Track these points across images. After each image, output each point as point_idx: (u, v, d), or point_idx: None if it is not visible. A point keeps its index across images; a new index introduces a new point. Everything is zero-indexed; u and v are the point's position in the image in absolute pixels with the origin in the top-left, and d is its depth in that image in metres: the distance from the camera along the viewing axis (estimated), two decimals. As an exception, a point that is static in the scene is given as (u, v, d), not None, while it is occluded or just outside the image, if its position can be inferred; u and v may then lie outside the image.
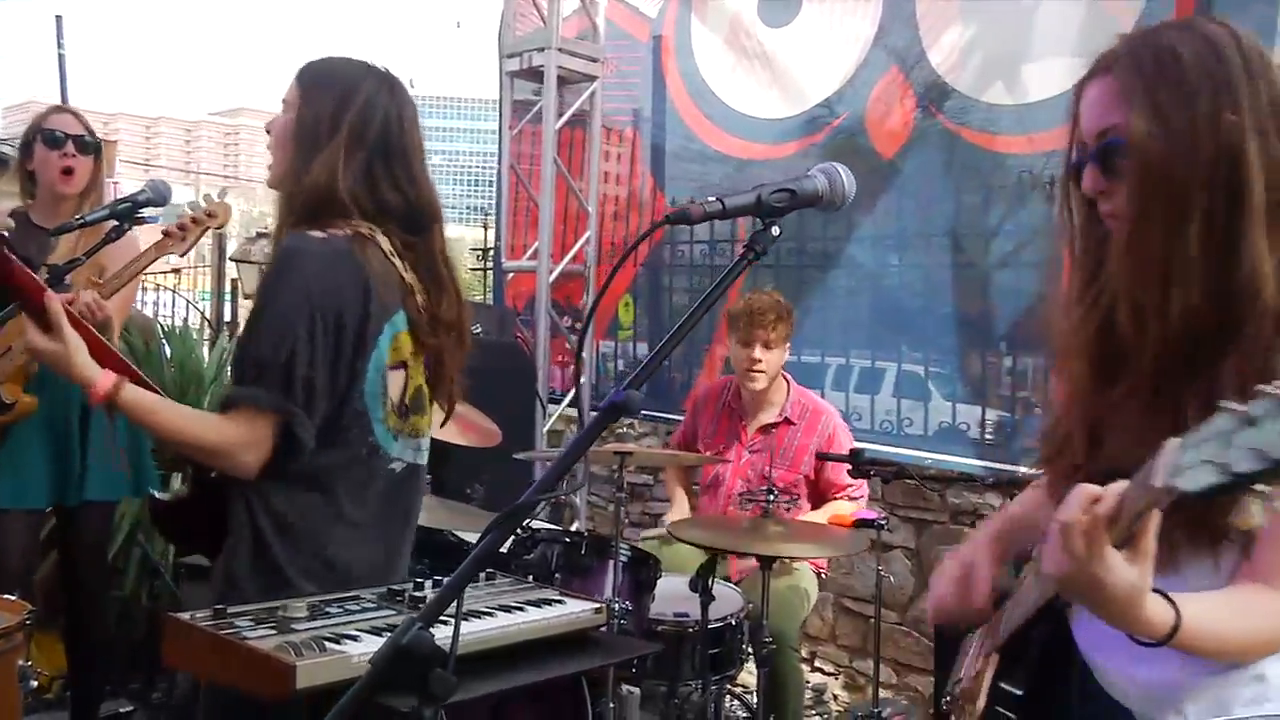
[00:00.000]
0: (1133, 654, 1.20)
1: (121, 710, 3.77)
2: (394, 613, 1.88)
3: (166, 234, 3.06)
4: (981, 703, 1.45)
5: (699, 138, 5.63)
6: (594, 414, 1.30)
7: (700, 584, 3.12)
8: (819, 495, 3.94)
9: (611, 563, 3.20)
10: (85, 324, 1.98)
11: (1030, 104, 4.16)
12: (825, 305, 4.97)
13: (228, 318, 8.96)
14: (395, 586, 2.00)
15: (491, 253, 10.52)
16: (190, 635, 1.76)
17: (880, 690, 3.71)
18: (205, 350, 5.59)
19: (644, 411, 5.81)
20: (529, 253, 6.14)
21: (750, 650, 3.47)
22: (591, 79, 5.94)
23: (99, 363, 1.96)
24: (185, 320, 9.65)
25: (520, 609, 2.01)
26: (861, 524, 3.64)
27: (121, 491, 3.47)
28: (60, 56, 7.01)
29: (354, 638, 1.73)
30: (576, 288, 6.19)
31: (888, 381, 4.75)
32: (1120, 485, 1.05)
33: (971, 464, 4.41)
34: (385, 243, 2.00)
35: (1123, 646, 1.20)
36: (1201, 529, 1.20)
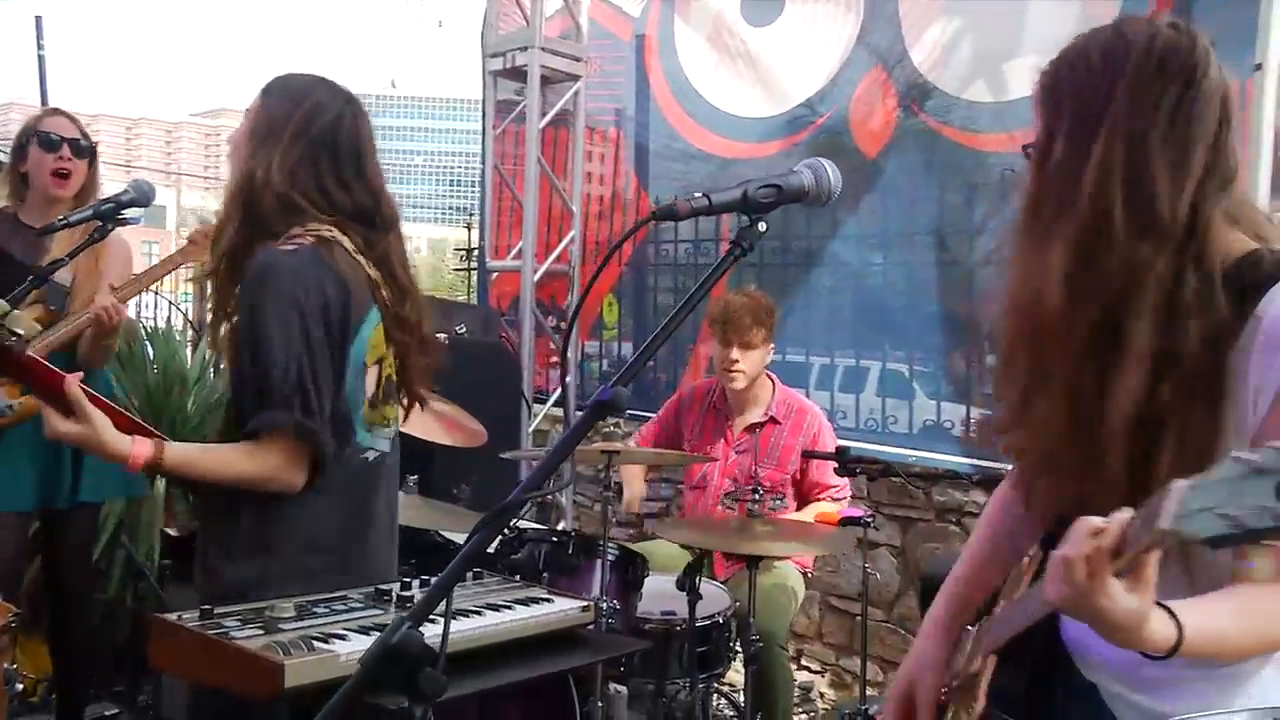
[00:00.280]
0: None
1: (107, 713, 3.76)
2: (381, 612, 1.89)
3: (192, 240, 3.09)
4: (980, 705, 1.46)
5: (683, 137, 5.64)
6: (579, 413, 1.31)
7: (688, 583, 3.12)
8: (802, 496, 3.96)
9: (599, 561, 3.20)
10: (99, 397, 1.95)
11: (1011, 101, 4.18)
12: (809, 304, 4.99)
13: (209, 320, 8.90)
14: (383, 586, 2.01)
15: (475, 253, 10.51)
16: (177, 636, 1.76)
17: (867, 688, 3.72)
18: (188, 352, 5.56)
19: (630, 411, 5.81)
20: (513, 252, 6.15)
21: (738, 648, 3.48)
22: (575, 78, 5.95)
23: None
24: (168, 321, 9.59)
25: (508, 607, 2.02)
26: (848, 522, 3.65)
27: (111, 492, 3.46)
28: (40, 58, 6.96)
29: (342, 637, 1.73)
30: (561, 287, 6.19)
31: (872, 380, 4.77)
32: (1124, 517, 1.06)
33: (956, 461, 4.44)
34: (347, 242, 2.04)
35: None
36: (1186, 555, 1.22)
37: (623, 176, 6.04)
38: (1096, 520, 1.09)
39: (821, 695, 4.95)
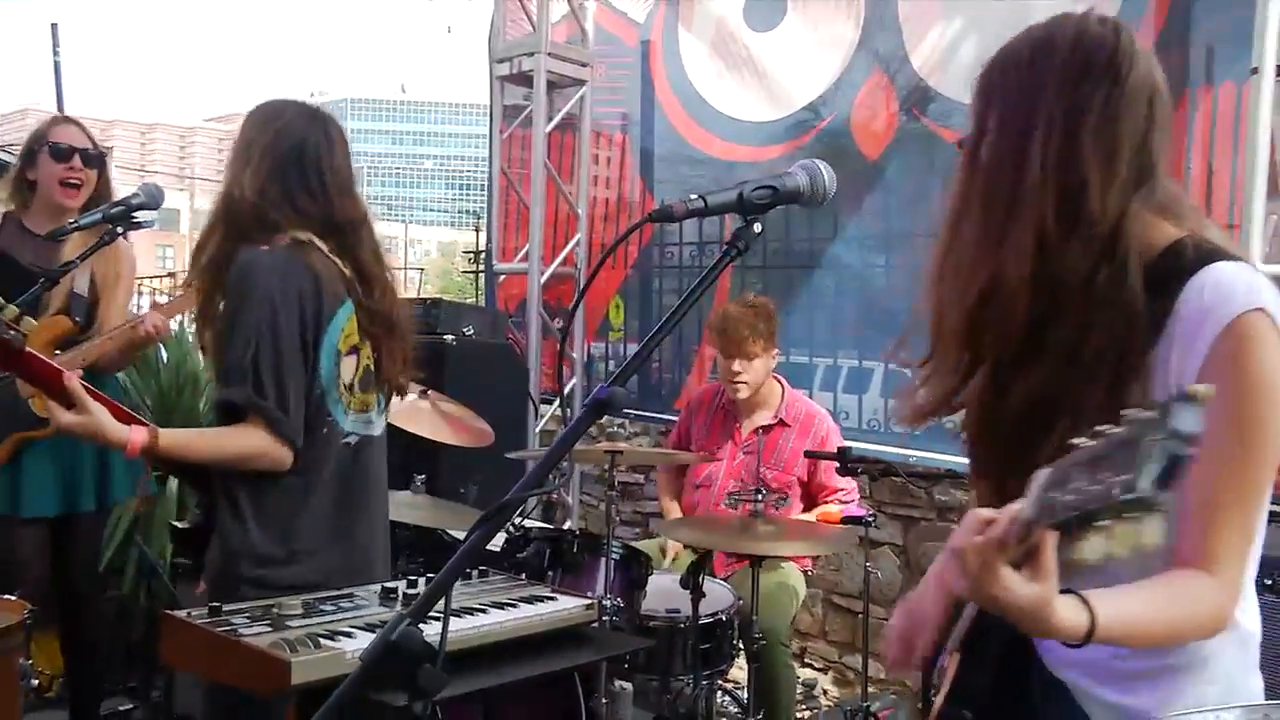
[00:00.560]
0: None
1: (121, 709, 3.79)
2: (388, 610, 1.93)
3: None
4: (940, 700, 1.47)
5: (687, 141, 5.67)
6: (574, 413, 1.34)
7: (691, 581, 3.16)
8: (810, 498, 3.98)
9: (603, 560, 3.24)
10: (95, 390, 2.08)
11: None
12: (812, 306, 5.01)
13: (195, 324, 8.94)
14: (389, 585, 2.05)
15: (483, 255, 10.53)
16: (187, 633, 1.81)
17: (869, 685, 3.75)
18: (200, 353, 5.61)
19: (635, 411, 5.85)
20: (520, 255, 6.18)
21: (741, 646, 3.52)
22: (581, 83, 5.98)
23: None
24: (181, 323, 9.65)
25: (513, 605, 2.06)
26: (850, 521, 3.68)
27: (128, 491, 3.53)
28: (56, 64, 7.00)
29: (348, 634, 1.77)
30: (567, 289, 6.22)
31: (875, 381, 4.80)
32: (1014, 508, 1.07)
33: (958, 461, 4.46)
34: (322, 244, 2.20)
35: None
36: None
37: (628, 180, 6.07)
38: (986, 512, 1.11)
39: (825, 692, 4.98)
